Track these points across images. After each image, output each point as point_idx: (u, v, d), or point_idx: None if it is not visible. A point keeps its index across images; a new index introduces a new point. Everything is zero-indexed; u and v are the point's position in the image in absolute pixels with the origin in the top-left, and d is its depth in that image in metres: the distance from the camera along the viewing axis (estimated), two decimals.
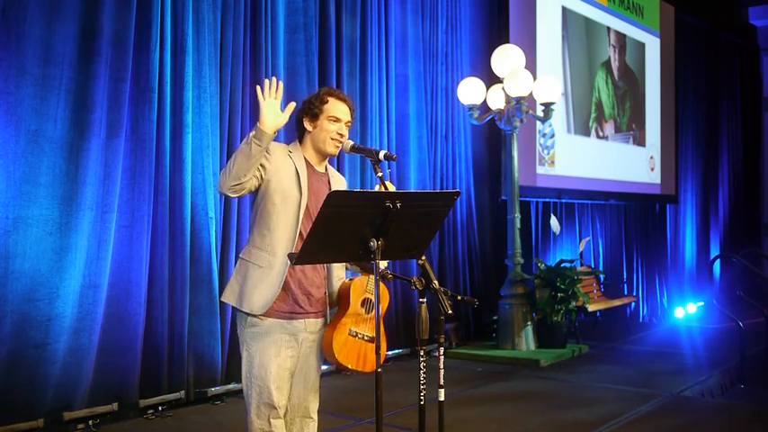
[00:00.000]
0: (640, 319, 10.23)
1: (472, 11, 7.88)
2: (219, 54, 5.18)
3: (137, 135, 4.69)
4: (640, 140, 10.33)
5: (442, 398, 2.53)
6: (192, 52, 4.95)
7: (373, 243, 2.30)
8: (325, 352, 2.78)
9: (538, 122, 7.77)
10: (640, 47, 10.41)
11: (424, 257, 2.52)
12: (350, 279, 2.85)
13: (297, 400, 2.79)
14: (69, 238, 4.31)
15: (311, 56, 5.84)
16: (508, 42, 7.28)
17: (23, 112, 4.15)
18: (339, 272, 2.88)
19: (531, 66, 7.26)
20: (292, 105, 2.66)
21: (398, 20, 6.88)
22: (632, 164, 10.10)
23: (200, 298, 4.96)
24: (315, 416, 2.84)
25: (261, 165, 2.62)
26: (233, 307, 2.76)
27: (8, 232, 4.08)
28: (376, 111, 6.52)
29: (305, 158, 2.78)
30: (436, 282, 2.44)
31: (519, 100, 6.69)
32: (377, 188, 2.62)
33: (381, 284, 2.37)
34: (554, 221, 8.21)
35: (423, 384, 2.49)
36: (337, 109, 2.77)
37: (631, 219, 10.36)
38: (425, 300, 2.47)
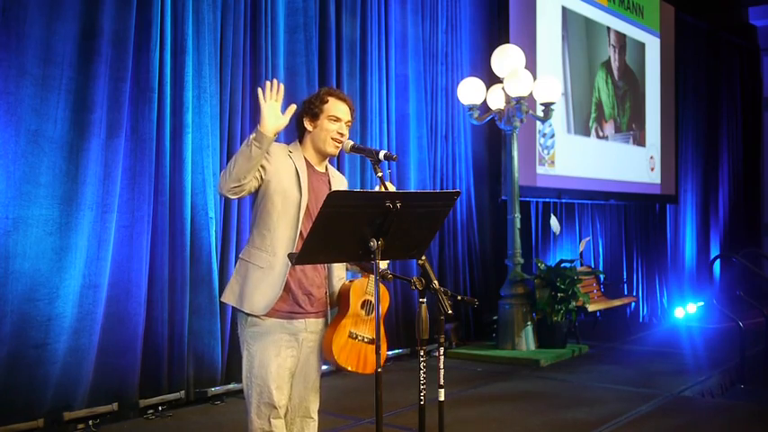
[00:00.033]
0: (640, 319, 10.23)
1: (472, 11, 7.88)
2: (219, 54, 5.18)
3: (137, 135, 4.69)
4: (640, 140, 10.33)
5: (442, 398, 2.53)
6: (192, 52, 4.95)
7: (373, 243, 2.30)
8: (325, 354, 2.78)
9: (538, 122, 7.77)
10: (640, 47, 10.41)
11: (424, 257, 2.52)
12: (350, 281, 2.85)
13: (297, 399, 2.79)
14: (69, 238, 4.31)
15: (311, 56, 5.85)
16: (508, 42, 7.28)
17: (23, 112, 4.15)
18: (340, 272, 2.88)
19: (531, 66, 7.26)
20: (293, 108, 2.66)
21: (398, 20, 6.88)
22: (632, 164, 10.10)
23: (200, 298, 4.96)
24: (315, 416, 2.84)
25: (261, 165, 2.62)
26: (233, 307, 2.76)
27: (8, 232, 4.08)
28: (376, 111, 6.52)
29: (305, 158, 2.78)
30: (436, 282, 2.44)
31: (519, 100, 6.69)
32: (377, 188, 2.62)
33: (381, 286, 2.37)
34: (554, 221, 8.21)
35: (423, 384, 2.49)
36: (337, 108, 2.77)
37: (631, 219, 10.36)
38: (425, 300, 2.47)
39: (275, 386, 2.66)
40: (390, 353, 6.32)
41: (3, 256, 4.05)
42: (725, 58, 12.87)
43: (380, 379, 2.32)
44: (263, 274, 2.66)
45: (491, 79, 6.97)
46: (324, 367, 2.88)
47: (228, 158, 5.14)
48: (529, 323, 6.84)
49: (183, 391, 4.84)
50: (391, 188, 2.63)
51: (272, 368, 2.66)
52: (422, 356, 2.48)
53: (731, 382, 6.14)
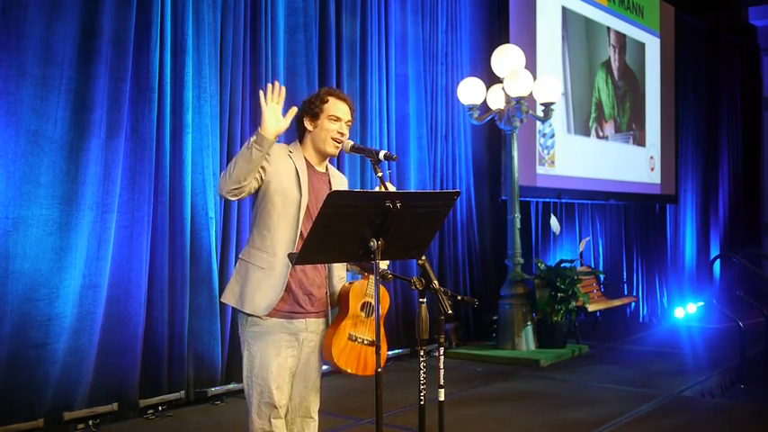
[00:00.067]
0: (640, 319, 10.23)
1: (472, 11, 7.88)
2: (219, 54, 5.18)
3: (137, 135, 4.69)
4: (640, 140, 10.33)
5: (442, 398, 2.53)
6: (192, 52, 4.95)
7: (373, 243, 2.30)
8: (324, 356, 2.79)
9: (538, 122, 7.77)
10: (640, 47, 10.41)
11: (424, 257, 2.52)
12: (349, 283, 2.85)
13: (298, 399, 2.79)
14: (69, 238, 4.31)
15: (311, 56, 5.85)
16: (508, 42, 7.28)
17: (23, 112, 4.15)
18: (340, 271, 2.88)
19: (531, 66, 7.26)
20: (294, 110, 2.67)
21: (398, 20, 6.88)
22: (632, 164, 10.10)
23: (200, 298, 4.96)
24: (315, 416, 2.84)
25: (261, 167, 2.62)
26: (234, 307, 2.76)
27: (8, 232, 4.08)
28: (376, 111, 6.52)
29: (305, 158, 2.78)
30: (436, 282, 2.44)
31: (519, 100, 6.69)
32: (377, 188, 2.62)
33: (381, 287, 2.37)
34: (554, 221, 8.21)
35: (423, 384, 2.49)
36: (338, 108, 2.77)
37: (631, 219, 10.36)
38: (425, 300, 2.47)
39: (276, 386, 2.66)
40: (390, 353, 6.31)
41: (3, 256, 4.05)
42: (725, 58, 12.87)
43: (380, 379, 2.32)
44: (264, 274, 2.66)
45: (491, 79, 6.97)
46: (324, 367, 2.88)
47: (228, 158, 5.17)
48: (529, 323, 6.84)
49: (182, 391, 4.84)
50: (391, 188, 2.63)
51: (272, 368, 2.66)
52: (422, 356, 2.48)
53: (731, 382, 6.14)
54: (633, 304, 10.00)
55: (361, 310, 2.79)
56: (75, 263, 4.31)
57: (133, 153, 4.67)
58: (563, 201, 8.75)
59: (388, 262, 2.70)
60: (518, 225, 6.97)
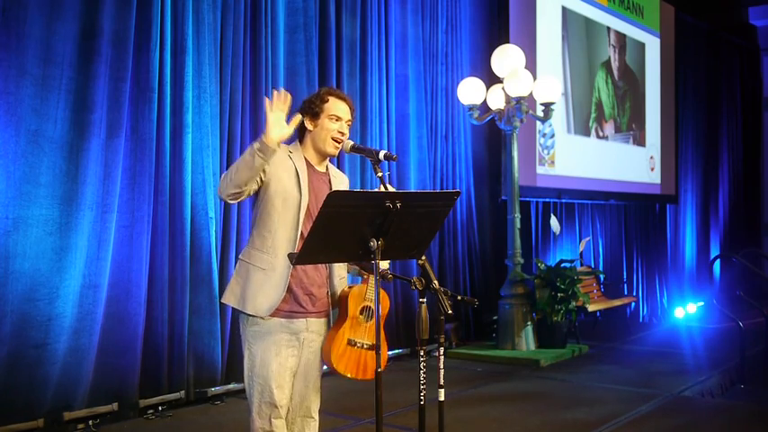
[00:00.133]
0: (640, 319, 10.23)
1: (472, 11, 7.88)
2: (219, 54, 5.18)
3: (137, 135, 4.69)
4: (640, 140, 10.33)
5: (442, 398, 2.53)
6: (192, 52, 4.95)
7: (373, 243, 2.30)
8: (324, 362, 2.79)
9: (538, 122, 7.77)
10: (640, 47, 10.41)
11: (424, 257, 2.52)
12: (349, 287, 2.85)
13: (298, 399, 2.79)
14: (69, 238, 4.31)
15: (311, 56, 5.84)
16: (508, 42, 7.28)
17: (23, 112, 4.15)
18: (341, 271, 2.88)
19: (531, 66, 7.26)
20: (298, 118, 2.68)
21: (398, 20, 6.88)
22: (632, 164, 10.10)
23: (200, 298, 4.96)
24: (316, 416, 2.84)
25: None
26: (234, 307, 2.76)
27: (8, 232, 4.08)
28: (376, 111, 6.52)
29: (305, 159, 2.79)
30: (436, 282, 2.44)
31: (519, 100, 6.69)
32: (378, 189, 2.62)
33: (381, 289, 2.37)
34: (554, 221, 8.21)
35: (423, 384, 2.49)
36: (338, 108, 2.77)
37: (631, 219, 10.36)
38: (425, 300, 2.47)
39: (276, 385, 2.66)
40: (390, 353, 6.31)
41: (3, 256, 4.05)
42: (725, 58, 12.87)
43: (380, 379, 2.32)
44: (265, 275, 2.66)
45: (491, 79, 6.97)
46: (325, 367, 2.88)
47: (228, 158, 5.18)
48: (529, 323, 6.84)
49: (183, 391, 4.84)
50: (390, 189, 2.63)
51: (272, 367, 2.66)
52: (422, 356, 2.48)
53: (731, 382, 6.14)
54: (633, 304, 10.00)
55: (361, 313, 2.79)
56: (75, 263, 4.31)
57: (133, 153, 4.67)
58: (563, 201, 8.75)
59: (388, 262, 2.70)
60: (518, 225, 6.97)
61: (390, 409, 4.49)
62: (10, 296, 4.06)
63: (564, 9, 8.80)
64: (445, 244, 7.26)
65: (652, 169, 10.52)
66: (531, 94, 6.82)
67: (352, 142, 2.76)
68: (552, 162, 8.44)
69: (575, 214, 9.16)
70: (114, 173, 4.52)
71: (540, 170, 8.22)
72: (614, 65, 9.84)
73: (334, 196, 2.25)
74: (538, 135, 8.20)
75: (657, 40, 10.77)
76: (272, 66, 5.54)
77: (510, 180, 7.00)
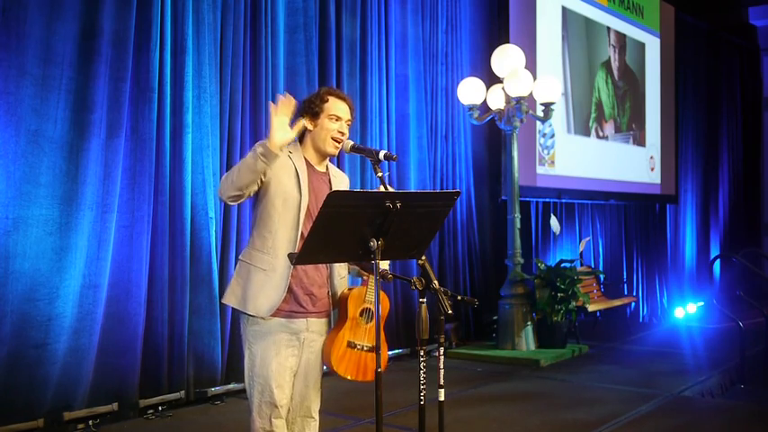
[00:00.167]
0: (640, 319, 10.23)
1: (472, 11, 7.88)
2: (219, 54, 5.18)
3: (137, 135, 4.69)
4: (640, 140, 10.33)
5: (442, 398, 2.52)
6: (192, 52, 4.95)
7: (373, 243, 2.30)
8: (325, 363, 2.79)
9: (538, 122, 7.77)
10: (640, 47, 10.41)
11: (424, 257, 2.52)
12: (349, 288, 2.85)
13: (299, 399, 2.79)
14: (69, 238, 4.31)
15: (311, 56, 5.84)
16: (508, 42, 7.28)
17: (23, 112, 4.15)
18: (341, 271, 2.88)
19: (531, 66, 7.26)
20: (301, 123, 2.68)
21: (398, 20, 6.88)
22: (632, 164, 10.10)
23: (200, 298, 4.96)
24: (316, 415, 2.84)
25: None
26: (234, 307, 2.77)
27: (8, 232, 4.08)
28: (376, 111, 6.52)
29: (305, 159, 2.79)
30: (436, 282, 2.44)
31: (519, 100, 6.69)
32: (379, 188, 2.62)
33: (381, 291, 2.37)
34: (554, 221, 8.21)
35: (423, 384, 2.49)
36: (338, 107, 2.77)
37: (631, 219, 10.36)
38: (425, 300, 2.46)
39: (276, 385, 2.66)
40: (390, 353, 6.31)
41: (3, 256, 4.05)
42: (725, 58, 12.87)
43: (380, 379, 2.32)
44: (266, 276, 2.66)
45: (491, 79, 6.97)
46: (325, 368, 2.88)
47: (228, 158, 5.18)
48: (529, 323, 6.84)
49: (183, 391, 4.84)
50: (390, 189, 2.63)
51: (272, 367, 2.66)
52: (422, 356, 2.48)
53: (731, 382, 6.14)
54: (633, 304, 10.00)
55: (360, 315, 2.79)
56: (75, 263, 4.31)
57: (133, 153, 4.67)
58: (563, 201, 8.75)
59: (388, 262, 2.70)
60: (518, 225, 6.97)
61: (390, 409, 4.49)
62: (10, 296, 4.06)
63: (564, 9, 8.80)
64: (445, 244, 7.26)
65: (652, 169, 10.52)
66: (531, 94, 6.82)
67: (351, 142, 2.76)
68: (552, 162, 8.44)
69: (575, 214, 9.16)
70: (114, 173, 4.52)
71: (539, 170, 8.22)
72: (614, 65, 9.84)
73: (334, 196, 2.25)
74: (538, 135, 8.21)
75: (657, 40, 10.77)
76: (272, 66, 5.53)
77: (510, 180, 7.00)
